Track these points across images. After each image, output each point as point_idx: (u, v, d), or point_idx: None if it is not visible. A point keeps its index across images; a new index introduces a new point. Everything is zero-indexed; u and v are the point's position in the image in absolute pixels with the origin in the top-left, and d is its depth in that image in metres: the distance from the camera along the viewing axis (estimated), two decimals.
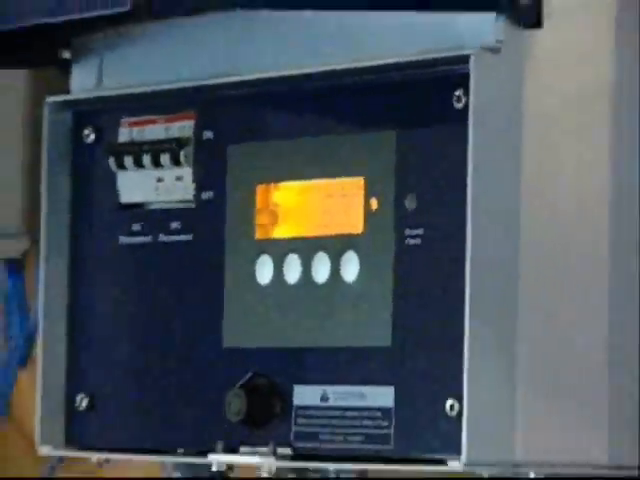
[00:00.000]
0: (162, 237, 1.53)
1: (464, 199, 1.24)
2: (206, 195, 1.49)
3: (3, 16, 1.52)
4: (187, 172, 1.47)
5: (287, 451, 1.39)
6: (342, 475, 1.52)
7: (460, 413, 1.25)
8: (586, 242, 1.32)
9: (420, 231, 1.27)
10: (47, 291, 1.68)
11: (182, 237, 1.51)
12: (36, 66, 1.90)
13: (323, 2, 1.44)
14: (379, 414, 1.33)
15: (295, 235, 1.38)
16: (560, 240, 1.31)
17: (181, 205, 1.49)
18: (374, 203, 1.31)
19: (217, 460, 1.46)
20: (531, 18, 1.30)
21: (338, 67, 1.35)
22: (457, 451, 1.25)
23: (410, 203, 1.28)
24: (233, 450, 1.44)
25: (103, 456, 1.60)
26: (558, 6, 1.32)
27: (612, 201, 1.33)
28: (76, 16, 1.42)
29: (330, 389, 1.36)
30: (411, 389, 1.32)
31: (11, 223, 2.02)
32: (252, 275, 1.41)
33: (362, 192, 1.32)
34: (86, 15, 1.40)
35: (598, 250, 1.33)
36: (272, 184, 1.40)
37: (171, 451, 1.54)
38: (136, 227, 1.59)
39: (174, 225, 1.52)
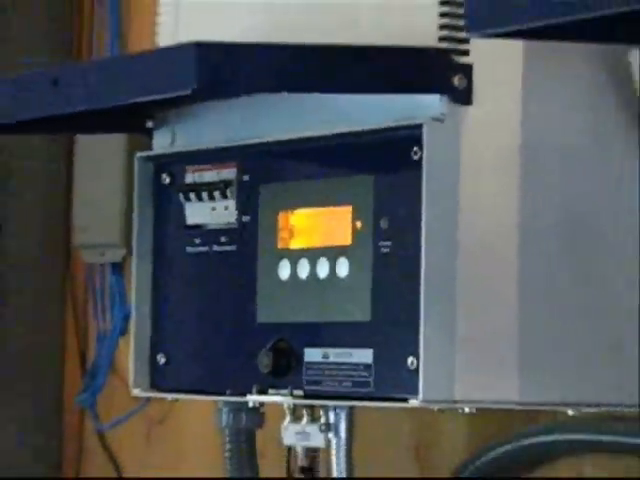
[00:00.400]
0: (215, 247, 1.64)
1: (420, 222, 1.34)
2: (245, 219, 1.59)
3: (106, 96, 1.54)
4: (232, 203, 1.59)
5: (300, 393, 1.50)
6: (338, 410, 1.57)
7: (417, 367, 1.35)
8: (500, 250, 1.41)
9: (390, 243, 1.38)
10: (138, 284, 1.77)
11: (228, 247, 1.62)
12: (129, 132, 2.03)
13: (327, 86, 1.42)
14: (362, 368, 1.43)
15: (305, 246, 1.48)
16: (482, 248, 1.40)
17: (228, 226, 1.60)
18: (359, 224, 1.41)
19: (252, 399, 1.58)
20: (464, 98, 1.39)
21: (335, 132, 1.44)
22: (416, 393, 1.34)
23: (383, 224, 1.38)
24: (263, 392, 1.54)
25: (175, 396, 1.75)
26: (482, 90, 1.39)
27: (519, 226, 1.41)
28: (155, 97, 1.46)
29: (330, 350, 1.46)
30: (384, 351, 1.43)
31: (114, 238, 2.10)
32: (276, 273, 1.50)
33: (350, 216, 1.42)
34: (162, 97, 1.45)
35: (509, 258, 1.41)
36: (289, 211, 1.51)
37: (221, 393, 1.63)
38: (197, 241, 1.70)
39: (223, 239, 1.63)
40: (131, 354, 1.77)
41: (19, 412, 2.24)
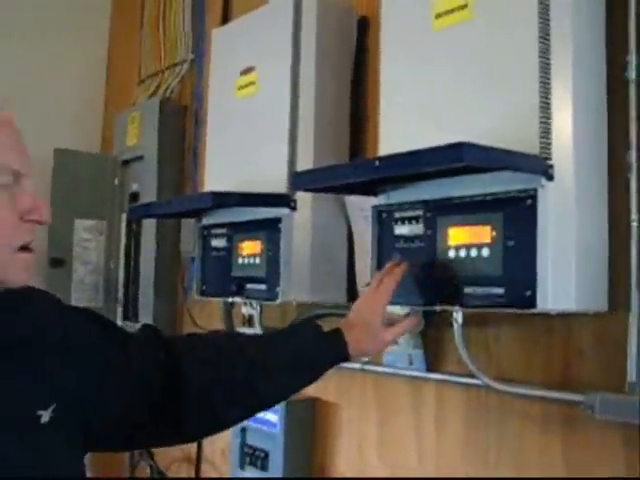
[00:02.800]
0: None
1: None
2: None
3: (184, 207, 1.71)
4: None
5: (244, 298, 1.61)
6: (256, 304, 1.62)
7: (278, 293, 1.54)
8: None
9: None
10: (196, 265, 1.80)
11: None
12: (195, 217, 1.84)
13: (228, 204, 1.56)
14: (266, 291, 1.56)
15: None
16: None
17: None
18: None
19: (230, 299, 1.67)
20: (294, 208, 1.57)
21: None
22: (277, 299, 1.54)
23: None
24: (234, 296, 1.64)
25: (207, 298, 1.79)
26: (299, 206, 1.56)
27: None
28: (202, 206, 1.62)
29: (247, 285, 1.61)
30: (271, 287, 1.56)
31: (190, 249, 2.05)
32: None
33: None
34: (202, 206, 1.63)
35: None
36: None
37: (221, 296, 1.71)
38: None
39: None
40: (194, 290, 1.79)
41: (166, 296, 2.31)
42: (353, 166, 1.27)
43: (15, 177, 0.83)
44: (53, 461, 0.86)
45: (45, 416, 0.85)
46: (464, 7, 1.20)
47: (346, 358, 1.12)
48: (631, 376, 1.10)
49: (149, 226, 2.29)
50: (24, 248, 0.84)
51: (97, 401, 0.94)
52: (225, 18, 2.12)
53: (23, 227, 0.83)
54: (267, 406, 1.12)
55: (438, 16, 1.24)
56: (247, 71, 1.65)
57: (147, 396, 1.00)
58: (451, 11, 1.22)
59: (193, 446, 1.98)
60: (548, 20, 1.11)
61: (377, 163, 1.11)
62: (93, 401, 0.94)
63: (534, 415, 1.26)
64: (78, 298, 2.45)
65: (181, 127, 2.34)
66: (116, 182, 2.48)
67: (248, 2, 1.91)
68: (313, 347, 1.11)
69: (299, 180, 1.31)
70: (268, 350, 1.10)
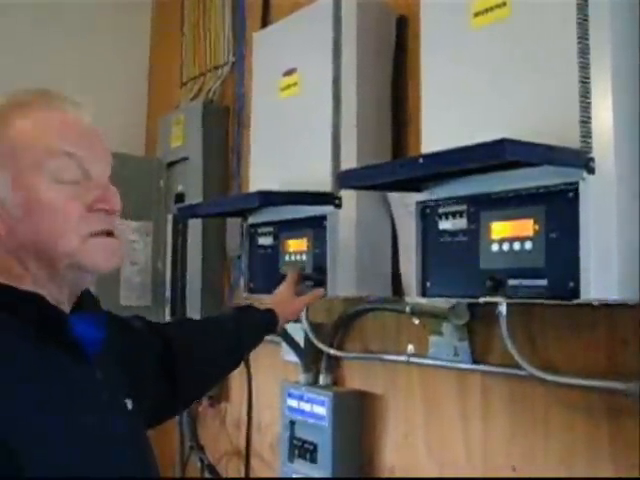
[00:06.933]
0: None
1: None
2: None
3: (230, 207, 1.75)
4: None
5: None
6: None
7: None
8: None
9: None
10: (244, 263, 1.81)
11: None
12: (241, 217, 1.86)
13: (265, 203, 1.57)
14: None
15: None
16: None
17: None
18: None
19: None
20: (339, 207, 1.58)
21: None
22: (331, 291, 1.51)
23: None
24: None
25: (252, 296, 1.77)
26: (344, 205, 1.58)
27: None
28: (249, 206, 1.67)
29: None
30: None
31: (237, 250, 2.17)
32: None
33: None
34: (249, 206, 1.67)
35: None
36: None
37: (267, 292, 1.63)
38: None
39: None
40: (243, 283, 1.79)
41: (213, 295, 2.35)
42: (399, 164, 1.31)
43: (84, 171, 0.89)
44: (140, 445, 0.95)
45: (129, 404, 0.95)
46: (503, 5, 1.21)
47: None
48: None
49: (195, 226, 2.33)
50: (100, 234, 0.89)
51: (148, 388, 1.11)
52: (264, 20, 2.16)
53: (92, 217, 0.89)
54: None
55: (477, 14, 1.25)
56: (289, 72, 1.69)
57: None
58: (490, 9, 1.23)
59: (242, 440, 1.99)
60: (586, 15, 1.11)
61: (421, 160, 1.14)
62: (147, 389, 1.10)
63: (579, 405, 1.27)
64: (126, 297, 2.49)
65: (224, 128, 2.38)
66: (161, 184, 2.52)
67: (287, 5, 1.96)
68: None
69: (346, 178, 1.34)
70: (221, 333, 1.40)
